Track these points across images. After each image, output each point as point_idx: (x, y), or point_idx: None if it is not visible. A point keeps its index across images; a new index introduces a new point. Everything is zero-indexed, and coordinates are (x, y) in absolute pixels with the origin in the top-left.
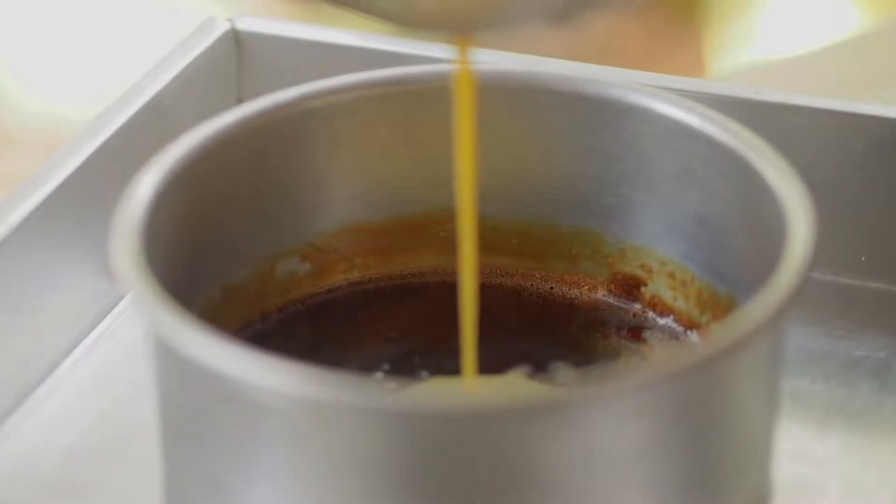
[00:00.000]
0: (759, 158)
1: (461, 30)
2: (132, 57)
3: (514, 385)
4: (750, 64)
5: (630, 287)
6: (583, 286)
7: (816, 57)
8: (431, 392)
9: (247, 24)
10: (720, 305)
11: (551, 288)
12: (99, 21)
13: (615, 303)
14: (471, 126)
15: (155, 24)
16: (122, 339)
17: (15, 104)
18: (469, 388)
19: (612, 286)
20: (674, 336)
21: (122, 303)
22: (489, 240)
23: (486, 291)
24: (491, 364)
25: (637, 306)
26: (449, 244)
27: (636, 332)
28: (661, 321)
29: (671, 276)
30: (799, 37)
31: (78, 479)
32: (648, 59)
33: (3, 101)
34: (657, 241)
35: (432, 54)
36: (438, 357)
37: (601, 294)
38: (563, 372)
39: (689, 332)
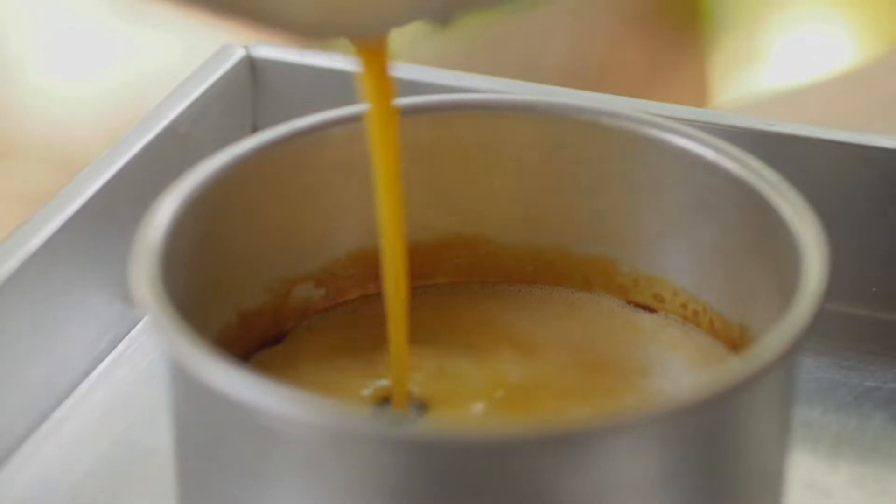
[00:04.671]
0: (773, 192)
1: (333, 33)
2: (142, 78)
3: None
4: (758, 92)
5: None
6: None
7: (827, 87)
8: (446, 421)
9: (263, 52)
10: (732, 336)
11: None
12: (110, 41)
13: None
14: (393, 160)
15: (167, 47)
16: (138, 363)
17: (22, 119)
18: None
19: None
20: None
21: (138, 327)
22: (504, 266)
23: None
24: None
25: None
26: (462, 271)
27: None
28: None
29: (684, 306)
30: (803, 60)
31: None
32: (649, 81)
33: (11, 116)
34: (670, 271)
35: (448, 83)
36: None
37: None
38: None
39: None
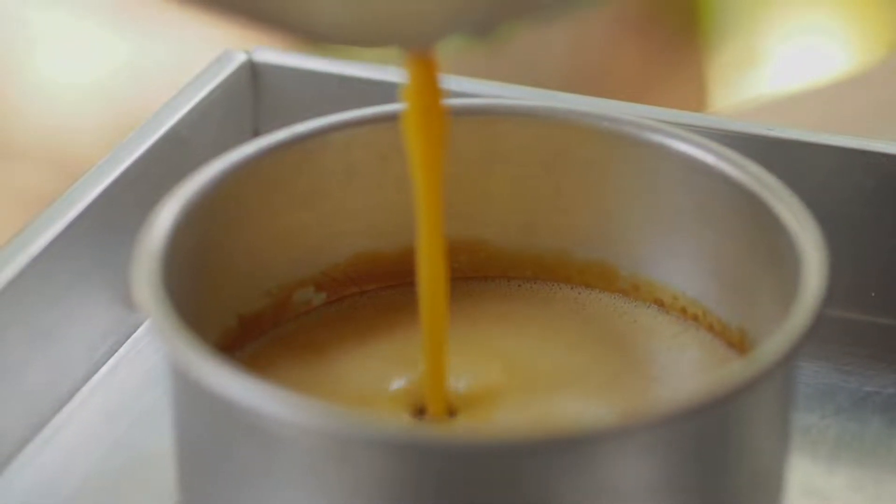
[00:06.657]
0: (772, 197)
1: (372, 43)
2: (144, 81)
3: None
4: (757, 96)
5: None
6: None
7: (826, 92)
8: (448, 426)
9: (264, 57)
10: (731, 340)
11: None
12: (111, 43)
13: None
14: (435, 168)
15: (169, 50)
16: (139, 367)
17: (21, 121)
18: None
19: None
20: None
21: (139, 332)
22: (504, 270)
23: None
24: None
25: None
26: (461, 275)
27: None
28: None
29: (683, 310)
30: (802, 65)
31: None
32: (648, 85)
33: (10, 117)
34: (670, 275)
35: (448, 87)
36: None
37: None
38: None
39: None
